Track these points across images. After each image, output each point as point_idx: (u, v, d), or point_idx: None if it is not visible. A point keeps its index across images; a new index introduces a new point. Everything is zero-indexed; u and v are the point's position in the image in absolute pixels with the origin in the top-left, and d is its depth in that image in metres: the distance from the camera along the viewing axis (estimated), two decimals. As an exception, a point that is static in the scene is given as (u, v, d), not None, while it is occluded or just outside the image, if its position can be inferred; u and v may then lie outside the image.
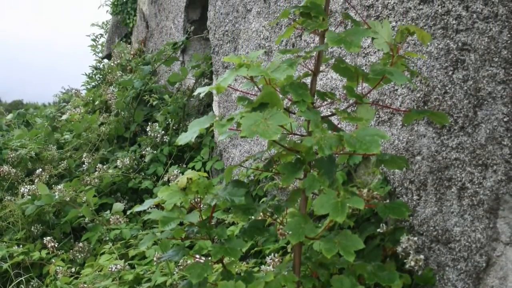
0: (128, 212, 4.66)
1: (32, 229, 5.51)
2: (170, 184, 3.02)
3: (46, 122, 7.76)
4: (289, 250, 3.59)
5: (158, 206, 3.05)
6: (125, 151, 6.77)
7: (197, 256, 3.29)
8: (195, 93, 2.69)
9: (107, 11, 11.22)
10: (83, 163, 6.57)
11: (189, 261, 3.69)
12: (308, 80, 2.69)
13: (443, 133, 2.90)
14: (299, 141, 2.66)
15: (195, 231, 2.90)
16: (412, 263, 2.86)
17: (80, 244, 4.98)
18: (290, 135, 2.71)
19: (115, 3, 10.83)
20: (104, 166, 6.18)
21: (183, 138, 2.53)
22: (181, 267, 3.77)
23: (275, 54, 4.59)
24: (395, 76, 2.44)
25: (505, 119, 2.56)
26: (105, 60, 10.90)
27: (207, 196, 2.80)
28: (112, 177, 6.08)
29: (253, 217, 2.79)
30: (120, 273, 4.07)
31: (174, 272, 3.79)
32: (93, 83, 10.29)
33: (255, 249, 3.88)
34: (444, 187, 2.88)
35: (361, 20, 3.42)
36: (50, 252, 4.98)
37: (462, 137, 2.78)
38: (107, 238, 5.01)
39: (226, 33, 5.66)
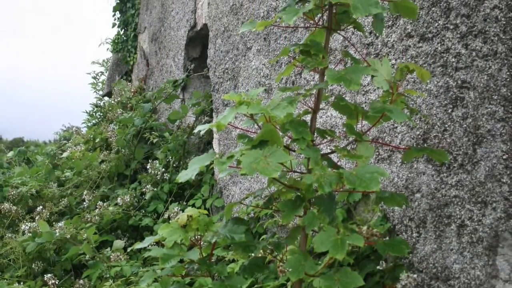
0: (129, 250, 4.65)
1: (33, 266, 5.49)
2: (170, 221, 3.02)
3: (46, 159, 7.77)
4: (289, 287, 3.57)
5: (159, 243, 3.05)
6: (125, 188, 6.77)
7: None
8: (196, 131, 2.70)
9: (107, 49, 11.28)
10: (84, 200, 6.56)
11: (189, 299, 3.68)
12: (308, 118, 2.70)
13: (442, 170, 2.91)
14: (299, 179, 2.66)
15: (195, 268, 2.90)
16: (413, 301, 2.85)
17: (81, 281, 4.96)
18: (290, 173, 2.72)
19: (116, 41, 10.90)
20: (105, 204, 6.17)
21: (184, 176, 2.54)
22: (181, 304, 3.76)
23: (275, 91, 4.61)
24: (395, 114, 2.45)
25: (504, 157, 2.57)
26: (106, 98, 10.94)
27: (207, 233, 2.81)
28: (113, 215, 6.08)
29: (253, 254, 2.79)
30: (121, 310, 4.05)
31: (174, 310, 3.78)
32: (93, 121, 10.32)
33: (255, 286, 3.87)
34: (444, 224, 2.88)
35: (360, 58, 3.45)
36: (51, 290, 4.96)
37: (461, 174, 2.79)
38: (108, 275, 4.99)
39: (226, 71, 5.70)
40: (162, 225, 2.82)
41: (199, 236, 2.85)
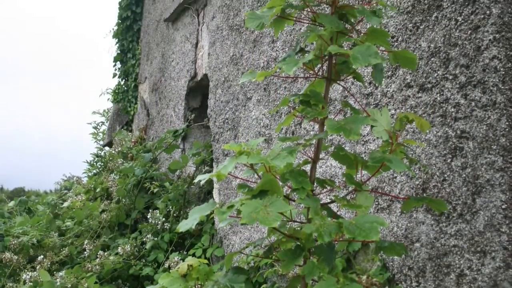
0: (130, 299, 4.63)
1: (34, 315, 5.47)
2: (171, 271, 3.01)
3: (47, 209, 7.76)
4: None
5: (159, 293, 3.04)
6: (126, 238, 6.75)
7: None
8: (196, 181, 2.71)
9: (108, 99, 11.34)
10: (85, 250, 6.54)
11: None
12: (307, 168, 2.71)
13: (441, 220, 2.91)
14: (298, 228, 2.66)
15: (195, 318, 2.87)
16: None
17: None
18: (290, 222, 2.72)
19: (116, 91, 10.96)
20: (106, 253, 6.15)
21: (184, 225, 2.54)
22: None
23: (275, 141, 4.63)
24: (394, 164, 2.46)
25: (503, 206, 2.58)
26: (106, 148, 10.96)
27: (207, 282, 2.79)
28: (113, 264, 6.05)
29: (253, 304, 2.78)
30: None
31: None
32: (94, 171, 10.32)
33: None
34: (443, 273, 2.88)
35: (360, 108, 3.47)
36: None
37: (460, 224, 2.79)
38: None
39: (226, 121, 5.73)
40: (163, 275, 2.81)
41: (199, 286, 2.84)
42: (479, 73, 2.76)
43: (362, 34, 2.60)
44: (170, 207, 6.68)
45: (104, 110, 11.97)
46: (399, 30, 3.30)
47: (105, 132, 11.59)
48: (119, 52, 10.94)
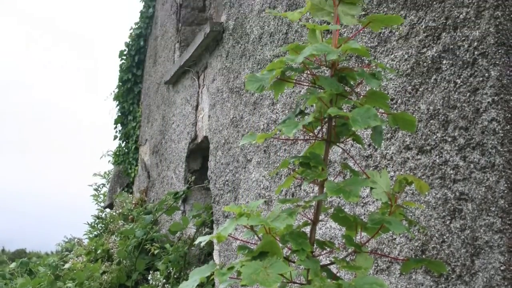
0: None
1: None
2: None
3: (49, 270, 7.73)
4: None
5: None
6: (126, 299, 6.72)
7: None
8: (196, 242, 2.71)
9: (109, 161, 11.38)
10: (86, 311, 6.51)
11: None
12: (307, 229, 2.71)
13: (440, 281, 2.90)
14: (299, 290, 2.65)
15: None
16: None
17: None
18: (290, 284, 2.71)
19: (117, 153, 11.00)
20: (106, 315, 6.12)
21: (184, 287, 2.53)
22: None
23: (275, 203, 4.63)
24: (393, 226, 2.46)
25: (502, 268, 2.57)
26: (107, 210, 10.96)
27: None
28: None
29: None
30: None
31: None
32: (95, 232, 10.31)
33: None
34: (446, 337, 2.85)
35: (360, 170, 3.48)
36: None
37: (459, 285, 2.78)
38: None
39: (226, 182, 5.73)
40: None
41: None
42: (478, 135, 2.78)
43: (361, 96, 2.63)
44: (171, 268, 6.66)
45: (105, 172, 12.00)
46: (398, 93, 3.33)
47: (106, 194, 11.60)
48: (119, 114, 11.02)
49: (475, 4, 2.83)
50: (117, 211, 8.92)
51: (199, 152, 7.48)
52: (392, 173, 3.30)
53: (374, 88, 2.58)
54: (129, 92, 10.77)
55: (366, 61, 3.59)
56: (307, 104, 2.68)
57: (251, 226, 2.58)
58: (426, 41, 3.14)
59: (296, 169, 2.70)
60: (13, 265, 8.68)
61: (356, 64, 3.70)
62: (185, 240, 7.04)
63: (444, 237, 2.89)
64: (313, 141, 2.78)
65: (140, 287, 6.80)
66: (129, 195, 9.52)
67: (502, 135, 2.65)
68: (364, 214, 3.50)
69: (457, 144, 2.90)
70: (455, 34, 2.95)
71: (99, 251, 7.98)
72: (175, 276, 6.58)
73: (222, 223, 5.86)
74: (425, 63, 3.14)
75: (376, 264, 3.36)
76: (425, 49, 3.14)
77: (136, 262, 7.18)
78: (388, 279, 3.26)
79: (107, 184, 11.76)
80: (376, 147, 3.48)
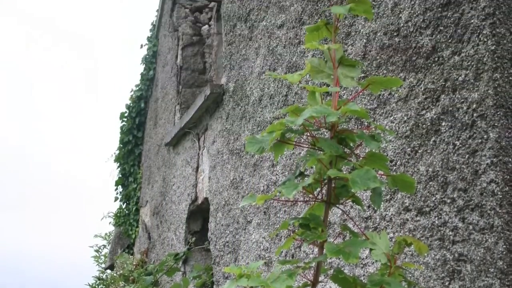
0: None
1: None
2: None
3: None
4: None
5: None
6: None
7: None
8: (196, 304, 2.70)
9: (110, 222, 11.35)
10: None
11: None
12: (308, 291, 2.70)
13: None
14: None
15: None
16: None
17: None
18: None
19: (118, 214, 10.99)
20: None
21: None
22: None
23: (275, 264, 4.61)
24: (393, 287, 2.45)
25: (505, 330, 2.56)
26: (108, 271, 10.89)
27: None
28: None
29: None
30: None
31: None
32: (96, 293, 10.25)
33: None
34: None
35: (359, 231, 3.48)
36: None
37: None
38: None
39: (226, 244, 5.72)
40: None
41: None
42: (476, 197, 2.79)
43: (361, 158, 2.64)
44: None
45: (106, 234, 11.97)
46: (397, 154, 3.35)
47: (106, 255, 11.54)
48: (120, 176, 11.03)
49: (474, 66, 2.87)
50: (118, 272, 8.88)
51: (199, 214, 7.47)
52: (391, 235, 3.30)
53: (374, 150, 2.59)
54: (130, 154, 10.80)
55: (366, 123, 3.62)
56: (307, 166, 2.69)
57: (251, 287, 2.57)
58: (425, 103, 3.17)
59: (296, 230, 2.70)
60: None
61: (356, 126, 3.73)
62: (186, 301, 7.00)
63: (445, 299, 2.88)
64: (313, 202, 2.79)
65: None
66: (130, 256, 9.48)
67: (501, 196, 2.66)
68: (364, 275, 3.49)
69: (456, 206, 2.90)
70: (454, 96, 2.99)
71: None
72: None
73: (222, 284, 5.83)
74: (424, 125, 3.17)
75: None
76: (424, 111, 3.17)
77: (137, 323, 7.14)
78: None
79: (108, 245, 11.72)
80: (375, 208, 3.48)
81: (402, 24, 3.40)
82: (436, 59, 3.12)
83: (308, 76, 2.74)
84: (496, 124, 2.73)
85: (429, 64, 3.17)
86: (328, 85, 2.53)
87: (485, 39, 2.83)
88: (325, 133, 3.87)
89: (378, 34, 3.59)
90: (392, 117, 3.42)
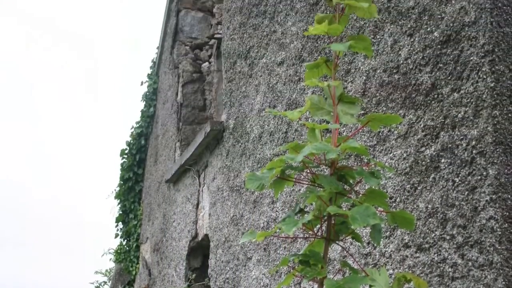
0: None
1: None
2: None
3: None
4: None
5: None
6: None
7: None
8: None
9: (110, 259, 11.31)
10: None
11: None
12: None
13: None
14: None
15: None
16: None
17: None
18: None
19: (118, 251, 10.95)
20: None
21: None
22: None
23: (275, 302, 4.59)
24: (394, 324, 2.45)
25: None
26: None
27: None
28: None
29: None
30: None
31: None
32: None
33: None
34: None
35: (359, 268, 3.47)
36: None
37: None
38: None
39: (227, 280, 5.70)
40: None
41: None
42: (476, 234, 2.79)
43: (360, 195, 2.65)
44: None
45: (107, 270, 11.93)
46: (397, 191, 3.36)
47: (107, 292, 11.50)
48: (121, 213, 11.02)
49: (473, 103, 2.89)
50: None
51: (199, 250, 7.45)
52: (391, 271, 3.29)
53: (373, 187, 2.60)
54: (131, 190, 10.79)
55: (365, 160, 3.63)
56: (306, 203, 2.70)
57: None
58: (425, 140, 3.19)
59: (296, 267, 2.70)
60: None
61: (355, 163, 3.74)
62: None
63: (445, 336, 2.87)
64: (313, 239, 2.79)
65: None
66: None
67: (500, 233, 2.66)
68: (365, 313, 3.48)
69: (455, 242, 2.91)
70: (453, 133, 3.00)
71: None
72: None
73: (222, 322, 5.80)
74: (423, 162, 3.18)
75: None
76: (423, 148, 3.19)
77: None
78: None
79: (109, 281, 11.67)
80: (375, 245, 3.48)
81: (401, 62, 3.43)
82: (436, 96, 3.15)
83: (308, 113, 2.77)
84: (495, 161, 2.75)
85: (429, 101, 3.19)
86: (328, 122, 2.54)
87: (485, 76, 2.85)
88: (325, 170, 3.87)
89: (378, 71, 3.62)
90: (391, 154, 3.44)
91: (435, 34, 3.19)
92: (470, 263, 2.80)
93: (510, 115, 2.81)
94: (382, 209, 2.64)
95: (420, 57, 3.28)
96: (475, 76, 2.91)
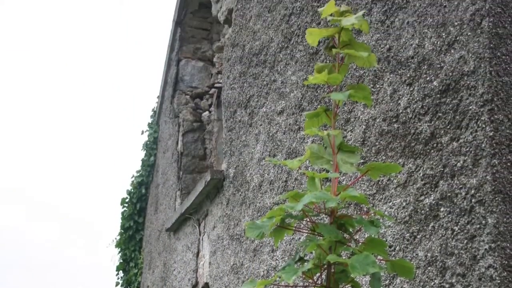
0: None
1: None
2: None
3: None
4: None
5: None
6: None
7: None
8: None
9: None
10: None
11: None
12: None
13: None
14: None
15: None
16: None
17: None
18: None
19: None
20: None
21: None
22: None
23: None
24: None
25: None
26: None
27: None
28: None
29: None
30: None
31: None
32: None
33: None
34: None
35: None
36: None
37: None
38: None
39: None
40: None
41: None
42: (475, 282, 2.79)
43: (360, 243, 2.65)
44: None
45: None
46: (396, 240, 3.36)
47: None
48: (121, 261, 10.98)
49: (472, 152, 2.91)
50: None
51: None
52: (392, 321, 3.28)
53: (373, 235, 2.60)
54: (131, 239, 10.77)
55: (365, 209, 3.64)
56: (306, 251, 2.70)
57: None
58: (424, 189, 3.20)
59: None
60: None
61: (355, 211, 3.74)
62: None
63: None
64: (313, 287, 2.78)
65: None
66: None
67: (499, 281, 2.66)
68: None
69: (455, 291, 2.90)
70: (452, 182, 3.02)
71: None
72: None
73: None
74: (423, 211, 3.19)
75: None
76: (423, 197, 3.20)
77: None
78: None
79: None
80: (376, 293, 3.47)
81: (401, 111, 3.45)
82: (435, 145, 3.17)
83: (307, 162, 2.78)
84: (494, 209, 2.75)
85: (428, 150, 3.21)
86: (327, 171, 2.56)
87: (484, 125, 2.87)
88: (325, 218, 3.88)
89: (377, 120, 3.65)
90: (391, 202, 3.45)
91: (435, 83, 3.22)
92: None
93: (509, 164, 2.82)
94: (381, 258, 2.64)
95: (420, 106, 3.31)
96: (474, 125, 2.93)
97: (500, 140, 2.84)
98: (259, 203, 5.27)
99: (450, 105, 3.10)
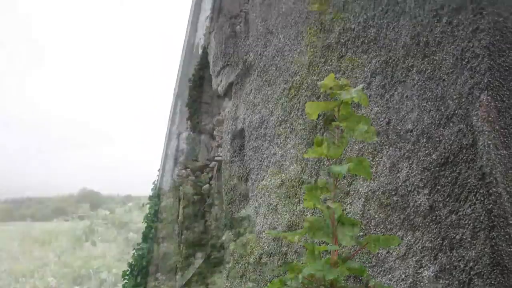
0: None
1: None
2: None
3: None
4: None
5: None
6: None
7: None
8: None
9: None
10: None
11: None
12: None
13: None
14: None
15: None
16: None
17: None
18: None
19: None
20: None
21: None
22: None
23: None
24: None
25: None
26: None
27: None
28: None
29: None
30: None
31: None
32: None
33: None
34: None
35: None
36: None
37: None
38: None
39: None
40: None
41: None
42: None
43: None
44: None
45: None
46: (397, 313, 3.35)
47: None
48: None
49: (471, 225, 2.92)
50: None
51: None
52: None
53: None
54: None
55: (364, 281, 3.63)
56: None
57: None
58: (423, 261, 3.20)
59: None
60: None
61: (355, 284, 3.73)
62: None
63: None
64: None
65: None
66: None
67: None
68: None
69: None
70: (451, 254, 3.02)
71: None
72: None
73: None
74: (422, 283, 3.18)
75: None
76: (422, 269, 3.20)
77: None
78: None
79: None
80: None
81: (400, 184, 3.47)
82: (434, 218, 3.18)
83: (307, 234, 2.79)
84: (493, 282, 2.75)
85: (427, 223, 3.22)
86: (327, 243, 2.57)
87: (482, 199, 2.89)
88: (325, 291, 3.87)
89: (377, 193, 3.67)
90: (390, 275, 3.44)
91: (433, 156, 3.25)
92: None
93: (507, 236, 2.83)
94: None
95: (418, 179, 3.33)
96: (473, 198, 2.94)
97: (499, 213, 2.85)
98: (259, 275, 5.25)
99: (449, 178, 3.12)
